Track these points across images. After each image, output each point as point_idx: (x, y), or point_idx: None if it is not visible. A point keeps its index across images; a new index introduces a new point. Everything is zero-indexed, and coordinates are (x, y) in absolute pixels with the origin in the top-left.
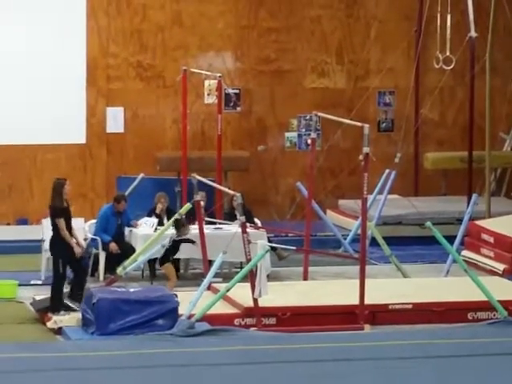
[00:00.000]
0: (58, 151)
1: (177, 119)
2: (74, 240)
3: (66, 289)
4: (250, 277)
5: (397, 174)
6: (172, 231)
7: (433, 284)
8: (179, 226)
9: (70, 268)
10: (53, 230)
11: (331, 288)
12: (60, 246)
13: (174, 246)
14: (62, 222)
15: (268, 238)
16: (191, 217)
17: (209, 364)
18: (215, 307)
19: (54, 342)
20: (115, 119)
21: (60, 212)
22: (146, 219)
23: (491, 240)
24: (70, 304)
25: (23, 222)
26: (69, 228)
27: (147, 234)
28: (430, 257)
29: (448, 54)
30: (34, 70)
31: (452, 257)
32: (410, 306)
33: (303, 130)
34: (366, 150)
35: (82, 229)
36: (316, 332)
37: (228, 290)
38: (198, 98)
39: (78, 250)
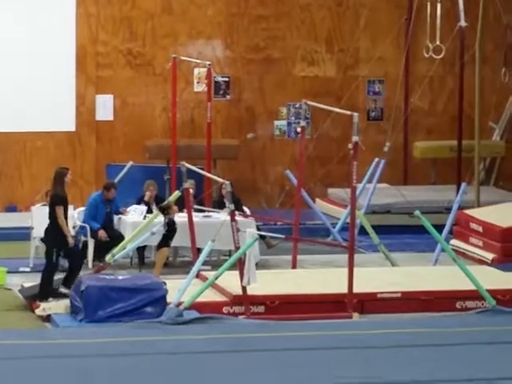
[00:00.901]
0: (47, 139)
1: (166, 107)
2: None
3: (59, 276)
4: (239, 265)
5: (386, 163)
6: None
7: (421, 273)
8: (165, 209)
9: (64, 257)
10: (50, 218)
11: (320, 276)
12: (55, 235)
13: (170, 229)
14: (61, 210)
15: (257, 226)
16: (180, 204)
17: (197, 352)
18: (204, 295)
19: (42, 329)
20: (105, 107)
21: (61, 200)
22: (135, 207)
23: (480, 229)
24: (64, 290)
25: (12, 209)
26: (65, 217)
27: (136, 221)
28: (418, 246)
29: (438, 43)
30: (23, 57)
31: (441, 246)
32: (399, 295)
33: (293, 118)
34: (355, 138)
35: (72, 216)
36: (304, 320)
37: (216, 278)
38: (188, 85)
39: (71, 241)
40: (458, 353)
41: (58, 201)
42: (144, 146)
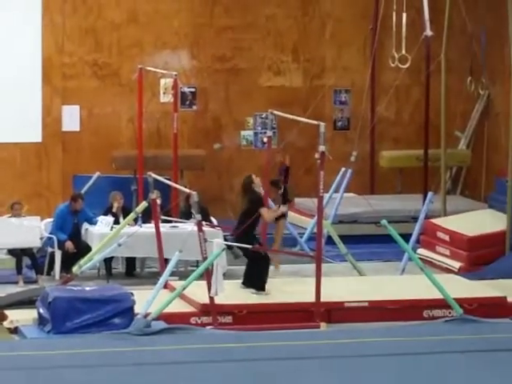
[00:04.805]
0: (13, 150)
1: (133, 118)
2: None
3: (23, 287)
4: (207, 275)
5: (353, 173)
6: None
7: (389, 282)
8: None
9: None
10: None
11: (287, 286)
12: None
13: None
14: (265, 210)
15: (224, 236)
16: (147, 215)
17: (165, 362)
18: (171, 306)
19: (9, 340)
20: (71, 118)
21: (261, 201)
22: (101, 218)
23: (447, 238)
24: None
25: None
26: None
27: (103, 232)
28: (385, 255)
29: (403, 52)
30: None
31: (408, 255)
32: (366, 304)
33: (259, 128)
34: (322, 148)
35: (38, 227)
36: (272, 330)
37: (184, 289)
38: (154, 96)
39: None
40: (426, 362)
41: (259, 204)
42: (111, 157)
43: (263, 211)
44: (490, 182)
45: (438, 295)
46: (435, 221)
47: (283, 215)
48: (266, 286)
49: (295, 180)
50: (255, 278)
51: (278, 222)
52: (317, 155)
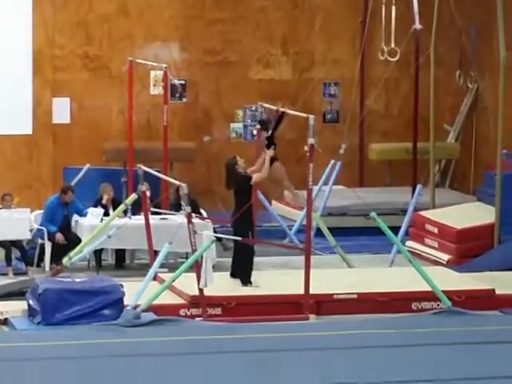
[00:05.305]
0: (3, 142)
1: (123, 110)
2: None
3: (11, 280)
4: (196, 267)
5: (342, 165)
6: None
7: (377, 274)
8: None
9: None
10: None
11: (276, 278)
12: (245, 219)
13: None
14: (258, 175)
15: (213, 228)
16: (137, 207)
17: (154, 354)
18: (161, 297)
19: None
20: (61, 110)
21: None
22: (91, 210)
23: (435, 231)
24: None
25: None
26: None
27: (93, 224)
28: (374, 247)
29: (393, 45)
30: None
31: (396, 247)
32: (355, 296)
33: (249, 120)
34: (311, 140)
35: (28, 219)
36: (261, 322)
37: (174, 280)
38: (144, 88)
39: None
40: (414, 354)
41: (248, 180)
42: (101, 149)
43: (256, 178)
44: (478, 175)
45: (426, 287)
46: (424, 213)
47: (274, 159)
48: (255, 279)
49: (285, 172)
50: (240, 271)
51: (273, 166)
52: (306, 148)
